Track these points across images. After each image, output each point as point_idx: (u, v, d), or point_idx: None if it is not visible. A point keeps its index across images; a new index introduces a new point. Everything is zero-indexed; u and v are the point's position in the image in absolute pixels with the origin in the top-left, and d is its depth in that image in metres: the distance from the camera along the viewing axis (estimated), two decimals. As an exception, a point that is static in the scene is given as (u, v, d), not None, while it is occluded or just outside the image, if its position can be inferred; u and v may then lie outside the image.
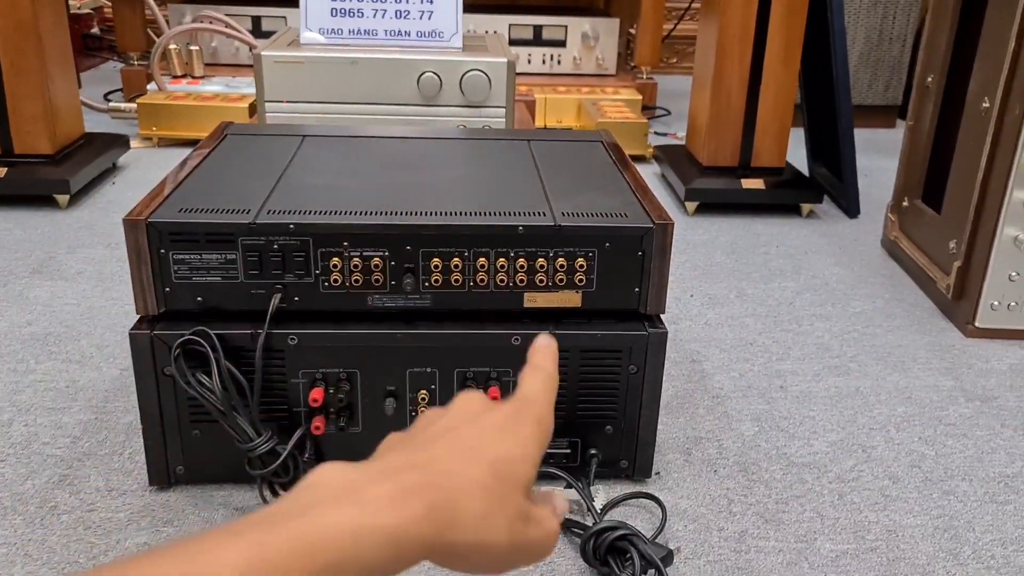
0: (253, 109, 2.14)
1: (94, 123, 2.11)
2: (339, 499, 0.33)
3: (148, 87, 2.26)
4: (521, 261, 0.86)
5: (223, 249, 0.83)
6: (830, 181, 1.95)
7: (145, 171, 1.93)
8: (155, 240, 0.82)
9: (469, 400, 0.42)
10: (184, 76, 2.31)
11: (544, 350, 0.47)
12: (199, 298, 0.85)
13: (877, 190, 2.02)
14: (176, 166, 0.99)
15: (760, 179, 1.84)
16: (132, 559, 0.28)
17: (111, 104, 2.26)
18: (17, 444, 0.96)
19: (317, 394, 0.87)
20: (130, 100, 2.28)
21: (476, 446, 0.39)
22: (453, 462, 0.37)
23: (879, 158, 2.32)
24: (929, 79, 1.49)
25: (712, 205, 1.84)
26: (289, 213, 0.85)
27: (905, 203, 1.56)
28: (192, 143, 2.12)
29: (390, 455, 0.39)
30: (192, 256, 0.83)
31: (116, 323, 1.24)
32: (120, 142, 1.89)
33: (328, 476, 0.35)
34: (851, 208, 1.86)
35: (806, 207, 1.85)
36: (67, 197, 1.65)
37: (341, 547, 0.31)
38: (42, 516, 0.85)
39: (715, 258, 1.60)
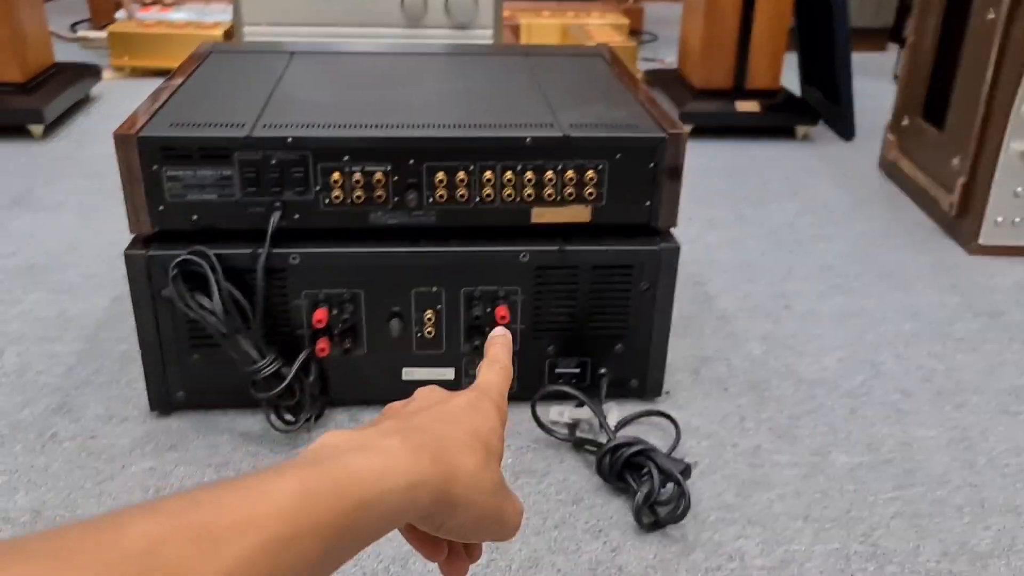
0: (228, 36, 2.06)
1: (62, 54, 2.02)
2: (361, 448, 0.35)
3: (117, 16, 2.17)
4: (529, 174, 0.83)
5: (218, 165, 0.80)
6: (823, 104, 1.92)
7: (119, 103, 1.85)
8: (147, 156, 0.78)
9: (431, 390, 0.46)
10: (154, 4, 2.21)
11: (499, 343, 0.50)
12: (194, 216, 0.81)
13: (870, 113, 1.99)
14: (161, 83, 0.94)
15: (755, 101, 1.80)
16: (193, 491, 0.30)
17: (80, 33, 2.17)
18: (10, 373, 0.93)
19: (320, 315, 0.84)
20: (99, 29, 2.19)
21: (453, 418, 0.42)
22: (440, 428, 0.40)
23: (870, 81, 2.28)
24: (932, -7, 1.45)
25: (706, 129, 1.80)
26: (286, 127, 0.81)
27: (905, 122, 1.54)
28: (166, 73, 2.04)
29: (381, 423, 0.41)
30: (186, 172, 0.80)
31: (102, 254, 1.19)
32: (92, 72, 1.82)
33: (338, 436, 0.37)
34: (846, 131, 1.83)
35: (801, 130, 1.82)
36: (41, 127, 1.59)
37: (370, 487, 0.33)
38: (43, 444, 0.83)
39: (711, 182, 1.57)
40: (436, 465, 0.36)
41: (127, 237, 1.25)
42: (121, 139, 0.78)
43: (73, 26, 2.35)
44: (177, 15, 2.16)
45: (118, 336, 1.00)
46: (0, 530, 0.73)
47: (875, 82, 2.26)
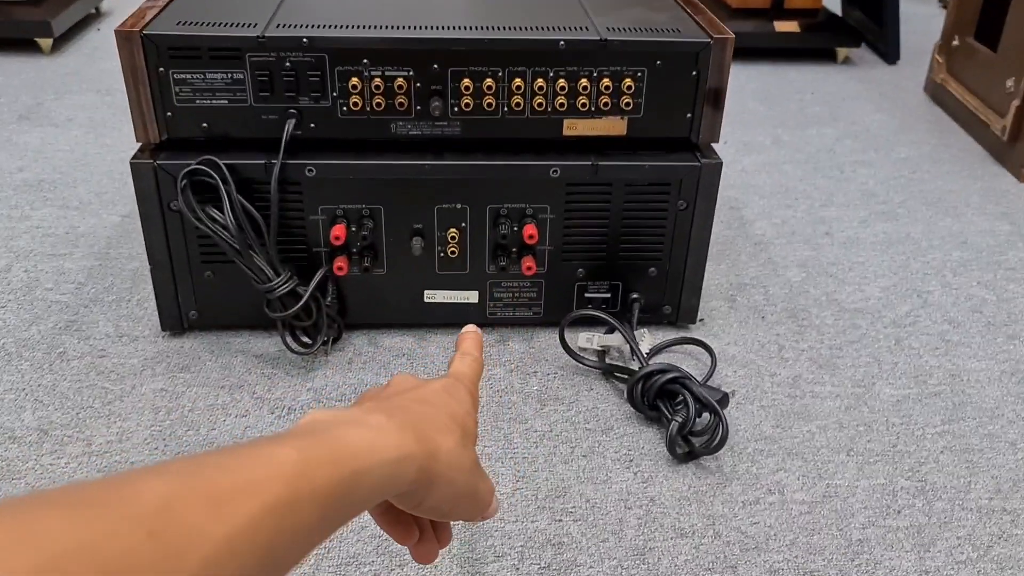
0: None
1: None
2: (352, 423, 0.37)
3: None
4: (561, 82, 0.77)
5: (229, 67, 0.74)
6: (865, 25, 1.82)
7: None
8: (152, 56, 0.73)
9: (405, 377, 0.47)
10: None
11: (470, 337, 0.53)
12: (204, 123, 0.76)
13: (915, 36, 1.89)
14: (169, -19, 0.88)
15: (794, 22, 1.71)
16: (196, 455, 0.32)
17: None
18: (18, 290, 0.90)
19: (338, 232, 0.79)
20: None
21: (430, 401, 0.43)
22: (420, 409, 0.42)
23: (914, 4, 2.17)
24: (994, -101, 1.34)
25: (742, 50, 1.71)
26: (301, 27, 0.75)
27: (955, 42, 1.45)
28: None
29: (363, 404, 0.43)
30: (195, 75, 0.74)
31: (113, 170, 1.15)
32: (103, -16, 1.75)
33: (325, 413, 0.38)
34: (890, 53, 1.74)
35: (842, 52, 1.73)
36: (50, 41, 1.53)
37: (363, 458, 0.35)
38: (51, 362, 0.80)
39: (747, 105, 1.50)
40: (420, 443, 0.39)
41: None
42: (124, 36, 0.72)
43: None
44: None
45: (129, 253, 0.97)
46: (7, 449, 0.70)
47: (920, 5, 2.15)
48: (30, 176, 1.13)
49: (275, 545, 0.30)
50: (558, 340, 0.83)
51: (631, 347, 0.81)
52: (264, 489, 0.30)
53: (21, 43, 1.54)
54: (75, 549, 0.24)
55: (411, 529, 0.46)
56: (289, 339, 0.81)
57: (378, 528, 0.47)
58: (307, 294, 0.78)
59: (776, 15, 1.72)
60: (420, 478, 0.39)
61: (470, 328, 0.54)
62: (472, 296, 0.86)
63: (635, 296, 0.87)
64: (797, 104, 1.51)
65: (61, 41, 1.60)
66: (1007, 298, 0.96)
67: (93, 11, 1.74)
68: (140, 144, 0.78)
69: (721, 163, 0.81)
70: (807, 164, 1.28)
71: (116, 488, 0.27)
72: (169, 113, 0.76)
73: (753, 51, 1.72)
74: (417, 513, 0.43)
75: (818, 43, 1.72)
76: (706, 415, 0.73)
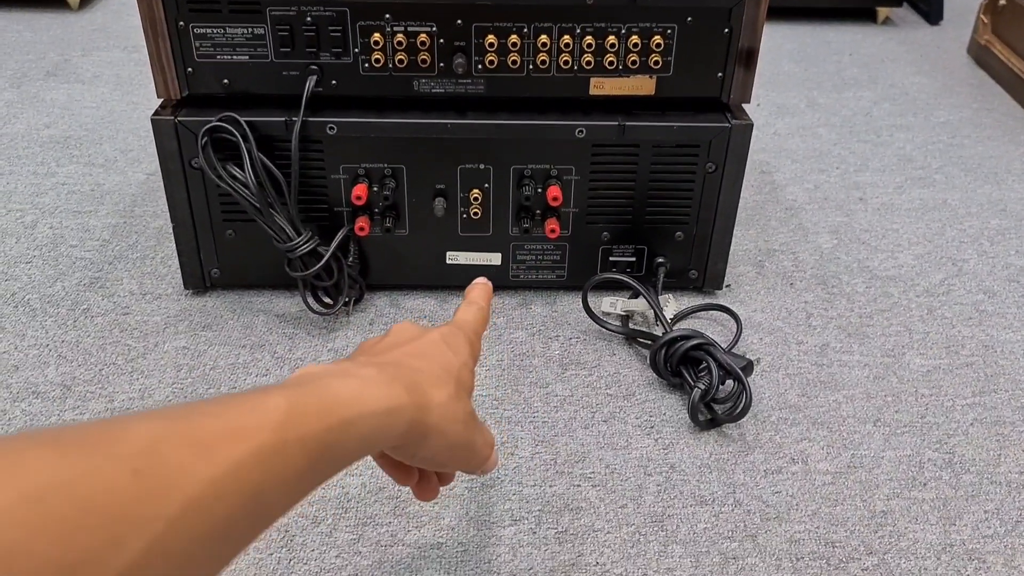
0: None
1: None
2: (343, 374, 0.37)
3: None
4: (588, 39, 0.75)
5: (249, 21, 0.73)
6: (909, -15, 1.76)
7: (160, -26, 1.78)
8: (172, 8, 0.72)
9: (405, 326, 0.47)
10: None
11: (479, 288, 0.54)
12: (225, 80, 0.75)
13: (959, -4, 1.83)
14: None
15: (834, -20, 1.66)
16: (189, 403, 0.32)
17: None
18: (43, 246, 0.90)
19: (360, 191, 0.78)
20: None
21: (425, 354, 0.44)
22: (412, 362, 0.42)
23: (962, -37, 2.09)
24: None
25: (777, 9, 1.66)
26: (323, -19, 0.73)
27: (1002, 2, 1.39)
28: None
29: (357, 357, 0.43)
30: (215, 29, 0.73)
31: (139, 127, 1.15)
32: (131, -60, 1.73)
33: (317, 367, 0.38)
34: (933, 13, 1.68)
35: (882, 12, 1.68)
36: (78, -3, 1.53)
37: (351, 408, 0.35)
38: (75, 318, 0.80)
39: (782, 66, 1.46)
40: (410, 395, 0.39)
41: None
42: (144, -10, 0.71)
43: None
44: None
45: (153, 212, 0.97)
46: (31, 404, 0.71)
47: (966, -38, 2.07)
48: (56, 133, 1.13)
49: (262, 490, 0.30)
50: (581, 304, 0.82)
51: (655, 312, 0.80)
52: (251, 435, 0.30)
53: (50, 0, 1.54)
54: (60, 484, 0.24)
55: (410, 472, 0.47)
56: (310, 299, 0.80)
57: (396, 488, 0.47)
58: (328, 254, 0.77)
59: (815, -27, 1.67)
60: (412, 430, 0.39)
61: (480, 279, 0.55)
62: (495, 258, 0.85)
63: (660, 260, 0.85)
64: (835, 66, 1.47)
65: (89, -3, 1.60)
66: (1047, 268, 0.93)
67: (121, -33, 1.73)
68: (161, 100, 0.77)
69: (752, 124, 0.78)
70: (842, 128, 1.24)
71: (103, 429, 0.27)
72: (190, 69, 0.75)
73: (790, 10, 1.67)
74: (413, 464, 0.44)
75: (857, 2, 1.67)
76: (730, 382, 0.72)
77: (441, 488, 0.50)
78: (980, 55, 1.46)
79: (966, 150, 1.18)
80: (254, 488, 0.30)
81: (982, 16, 1.45)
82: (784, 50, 1.53)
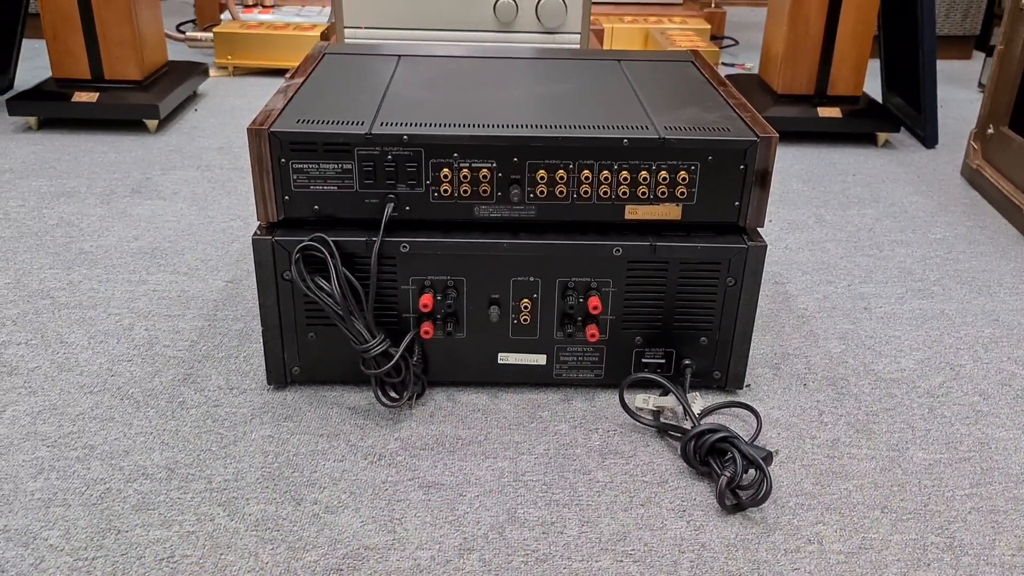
0: (325, 38, 2.16)
1: (172, 52, 2.15)
2: None
3: (221, 17, 2.29)
4: (624, 174, 0.88)
5: (340, 159, 0.87)
6: (905, 111, 1.92)
7: (224, 99, 1.97)
8: (276, 149, 0.86)
9: None
10: (255, 5, 2.33)
11: None
12: (316, 206, 0.89)
13: (953, 121, 1.99)
14: (283, 82, 1.02)
15: (836, 108, 1.82)
16: None
17: (188, 34, 2.30)
18: (141, 346, 1.02)
19: (427, 300, 0.90)
20: (205, 30, 2.31)
21: None
22: None
23: (955, 89, 2.27)
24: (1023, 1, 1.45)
25: (786, 133, 1.82)
26: (401, 125, 0.88)
27: (990, 130, 1.54)
28: (267, 72, 2.15)
29: None
30: (311, 165, 0.87)
31: (215, 239, 1.29)
32: (200, 70, 1.93)
33: None
34: (928, 138, 1.83)
35: (882, 136, 1.83)
36: (156, 122, 1.70)
37: None
38: (172, 410, 0.91)
39: (791, 185, 1.60)
40: None
41: (236, 225, 1.35)
42: (254, 133, 0.86)
43: (179, 26, 2.49)
44: (276, 16, 2.26)
45: (234, 315, 1.09)
46: (142, 484, 0.81)
47: (960, 90, 2.25)
48: (144, 244, 1.27)
49: None
50: (618, 400, 0.92)
51: (684, 408, 0.90)
52: None
53: (131, 123, 1.72)
54: None
55: None
56: (379, 393, 0.91)
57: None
58: (397, 355, 0.89)
59: (819, 101, 1.83)
60: None
61: None
62: (541, 359, 0.96)
63: (687, 362, 0.96)
64: (840, 185, 1.61)
65: (165, 121, 1.77)
66: (1035, 372, 1.03)
67: (192, 93, 1.92)
68: (260, 223, 0.90)
69: (766, 246, 0.91)
70: (848, 243, 1.37)
71: None
72: (287, 197, 0.88)
73: (798, 134, 1.83)
74: None
75: (859, 128, 1.82)
76: (752, 471, 0.82)
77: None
78: (972, 177, 1.59)
79: (961, 264, 1.30)
80: None
81: (973, 143, 1.60)
82: (794, 170, 1.67)
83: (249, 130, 0.86)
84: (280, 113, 0.90)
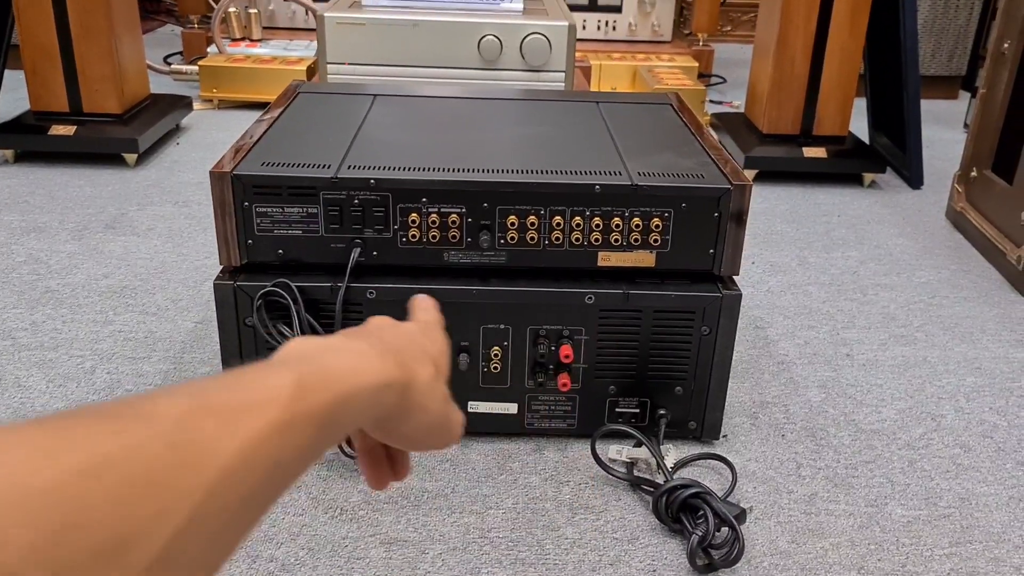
0: (311, 72, 2.15)
1: (156, 85, 2.14)
2: (339, 350, 0.38)
3: (208, 50, 2.29)
4: (596, 220, 0.87)
5: (305, 203, 0.85)
6: (891, 151, 1.92)
7: (207, 132, 1.95)
8: (239, 193, 0.84)
9: (382, 318, 0.48)
10: (243, 39, 2.33)
11: (424, 302, 0.54)
12: (280, 250, 0.87)
13: (939, 161, 1.99)
14: (254, 122, 1.00)
15: (822, 148, 1.81)
16: (196, 381, 0.33)
17: (173, 67, 2.29)
18: (101, 390, 0.99)
19: (393, 347, 0.88)
20: (191, 63, 2.31)
21: (407, 336, 0.45)
22: (398, 341, 0.43)
23: (941, 129, 2.27)
24: (1005, 45, 1.45)
25: (772, 173, 1.82)
26: (368, 168, 0.86)
27: (973, 174, 1.53)
28: (252, 105, 2.14)
29: (344, 333, 0.43)
30: (275, 209, 0.85)
31: (188, 278, 1.26)
32: (183, 103, 1.92)
33: (306, 342, 0.39)
34: (914, 179, 1.82)
35: (868, 177, 1.82)
36: (135, 156, 1.68)
37: (350, 382, 0.36)
38: (129, 458, 0.88)
39: (775, 226, 1.59)
40: (400, 369, 0.40)
41: (211, 263, 1.32)
42: (217, 176, 0.84)
43: (166, 58, 2.49)
44: (263, 50, 2.26)
45: (201, 358, 1.06)
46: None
47: (946, 130, 2.25)
48: (114, 283, 1.25)
49: (280, 460, 0.31)
50: (590, 451, 0.90)
51: (657, 461, 0.87)
52: (267, 409, 0.31)
53: (110, 157, 1.70)
54: (110, 457, 0.25)
55: (382, 463, 0.48)
56: (343, 443, 0.88)
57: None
58: (362, 404, 0.86)
59: (805, 141, 1.83)
60: (398, 405, 0.40)
61: (420, 296, 0.56)
62: (512, 408, 0.93)
63: (662, 412, 0.93)
64: (824, 226, 1.60)
65: (145, 155, 1.76)
66: (1018, 424, 1.01)
67: (175, 127, 1.91)
68: (222, 266, 0.88)
69: (740, 295, 0.89)
70: (831, 286, 1.35)
71: (136, 406, 0.29)
72: (250, 241, 0.86)
73: (784, 174, 1.82)
74: (389, 441, 0.44)
75: (845, 168, 1.82)
76: (725, 529, 0.79)
77: (395, 483, 0.51)
78: (957, 220, 1.58)
79: (944, 310, 1.28)
80: (274, 458, 0.31)
81: (956, 186, 1.59)
82: (778, 211, 1.66)
83: (212, 173, 0.84)
84: (245, 155, 0.88)
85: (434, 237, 0.86)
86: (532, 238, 0.87)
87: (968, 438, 0.98)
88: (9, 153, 1.69)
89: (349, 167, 0.86)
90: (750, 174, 1.81)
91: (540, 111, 1.11)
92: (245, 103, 2.13)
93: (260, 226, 0.86)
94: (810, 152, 1.80)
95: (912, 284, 1.37)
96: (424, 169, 0.86)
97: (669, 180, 0.87)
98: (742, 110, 2.04)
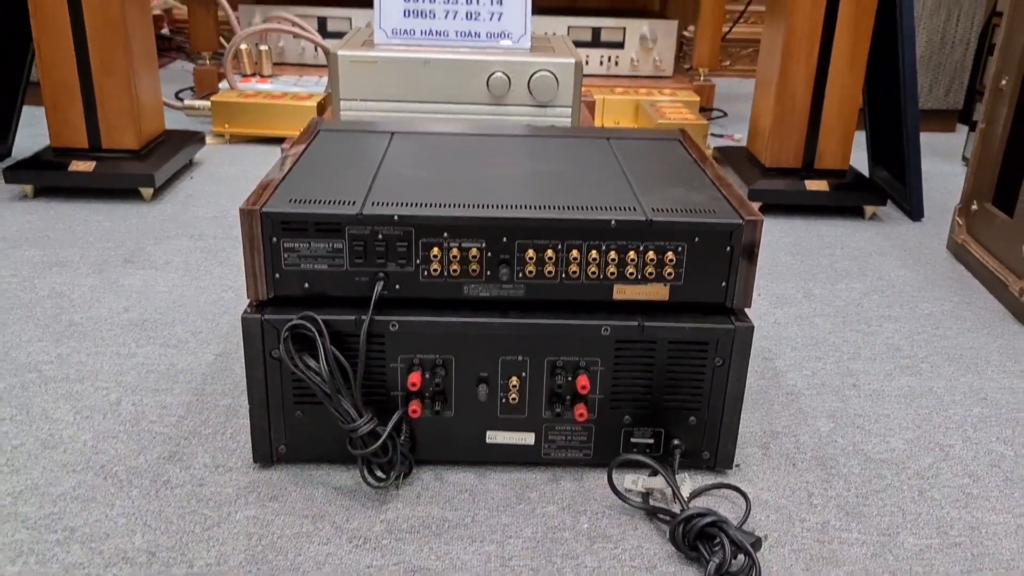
0: (321, 108, 2.19)
1: (169, 119, 2.18)
2: None
3: (220, 86, 2.33)
4: (612, 254, 0.89)
5: (331, 238, 0.88)
6: (891, 184, 1.96)
7: (219, 167, 1.99)
8: (268, 229, 0.87)
9: None
10: (254, 75, 2.37)
11: None
12: (306, 284, 0.89)
13: (939, 194, 2.02)
14: (277, 160, 1.03)
15: (824, 181, 1.85)
16: None
17: (186, 102, 2.34)
18: (127, 422, 1.01)
19: (415, 379, 0.90)
20: (203, 98, 2.35)
21: None
22: None
23: (939, 162, 2.31)
24: (1003, 82, 1.49)
25: (774, 206, 1.85)
26: (392, 205, 0.89)
27: (974, 206, 1.56)
28: (263, 140, 2.18)
29: None
30: (301, 244, 0.88)
31: (206, 311, 1.29)
32: (196, 138, 1.96)
33: None
34: (914, 211, 1.86)
35: (869, 209, 1.86)
36: (151, 191, 1.72)
37: None
38: (156, 489, 0.90)
39: (780, 258, 1.62)
40: None
41: (227, 296, 1.35)
42: (246, 213, 0.86)
43: (178, 94, 2.53)
44: (273, 86, 2.31)
45: (222, 390, 1.09)
46: (120, 569, 0.80)
47: (945, 163, 2.29)
48: (135, 316, 1.27)
49: None
50: (607, 481, 0.92)
51: (673, 490, 0.89)
52: None
53: (127, 192, 1.73)
54: None
55: None
56: (366, 473, 0.90)
57: None
58: (385, 434, 0.88)
59: (807, 174, 1.86)
60: None
61: None
62: (529, 438, 0.95)
63: (676, 442, 0.95)
64: (827, 259, 1.62)
65: (160, 189, 1.79)
66: (1025, 453, 1.03)
67: (188, 162, 1.94)
68: (250, 300, 0.91)
69: (752, 327, 0.91)
70: (836, 317, 1.38)
71: None
72: (277, 275, 0.89)
73: (786, 207, 1.85)
74: None
75: (846, 201, 1.85)
76: (741, 556, 0.81)
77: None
78: (958, 252, 1.61)
79: (949, 341, 1.31)
80: None
81: (957, 218, 1.62)
82: (782, 243, 1.69)
83: (241, 210, 0.87)
84: (273, 192, 0.91)
85: (455, 271, 0.89)
86: (549, 271, 0.90)
87: (976, 467, 1.00)
88: (29, 189, 1.72)
89: (373, 203, 0.89)
90: (754, 207, 1.85)
91: (553, 147, 1.14)
92: (257, 138, 2.17)
93: (287, 261, 0.88)
94: (812, 185, 1.84)
95: (916, 315, 1.39)
96: (445, 205, 0.89)
97: (682, 215, 0.89)
98: (743, 143, 2.08)
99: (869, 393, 1.15)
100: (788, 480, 0.97)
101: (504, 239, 0.88)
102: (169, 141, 1.86)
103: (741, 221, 0.89)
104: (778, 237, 1.72)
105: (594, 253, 0.89)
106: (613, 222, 0.88)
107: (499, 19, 1.72)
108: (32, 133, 2.13)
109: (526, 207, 0.90)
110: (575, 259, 0.89)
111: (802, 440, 1.04)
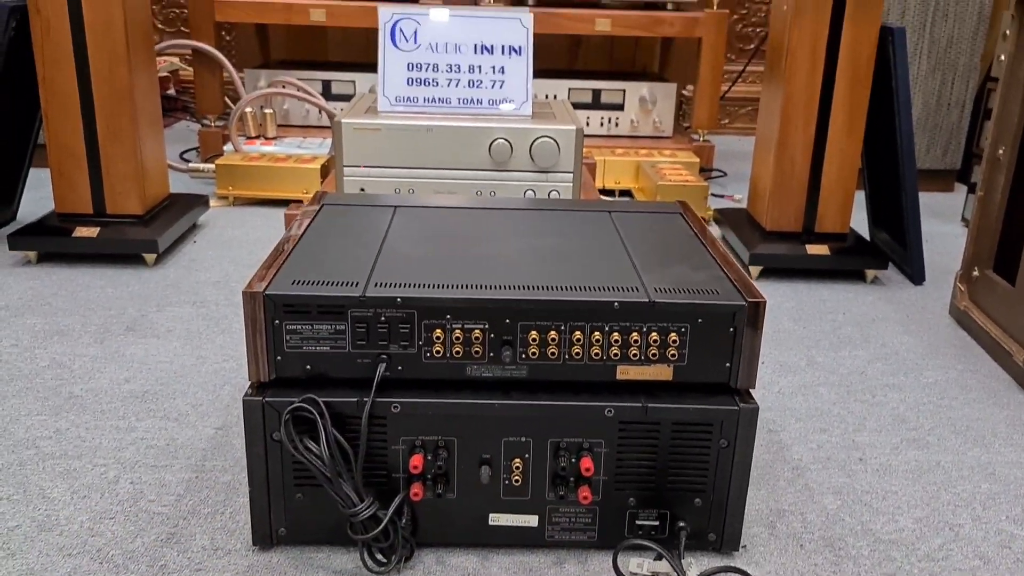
0: (325, 170, 2.21)
1: (173, 181, 2.20)
2: None
3: (224, 148, 2.36)
4: (615, 335, 0.89)
5: (333, 320, 0.88)
6: (891, 247, 1.96)
7: (223, 230, 2.00)
8: (270, 311, 0.87)
9: None
10: (258, 137, 2.40)
11: None
12: (308, 366, 0.89)
13: (939, 256, 2.03)
14: (282, 237, 1.04)
15: (824, 245, 1.85)
16: None
17: (191, 165, 2.36)
18: (125, 501, 1.00)
19: (417, 461, 0.89)
20: (208, 160, 2.38)
21: None
22: None
23: (938, 223, 2.32)
24: (1000, 151, 1.50)
25: (776, 270, 1.85)
26: (394, 286, 0.89)
27: (975, 273, 1.56)
28: (267, 203, 2.20)
29: None
30: (304, 326, 0.88)
31: (207, 382, 1.28)
32: (201, 202, 1.97)
33: None
34: (916, 275, 1.86)
35: (870, 273, 1.86)
36: (155, 256, 1.72)
37: None
38: (153, 574, 0.89)
39: (782, 324, 1.61)
40: None
41: (228, 366, 1.34)
42: (249, 296, 0.86)
43: (182, 154, 2.56)
44: (277, 148, 2.33)
45: (223, 466, 1.07)
46: (116, 658, 0.78)
47: (944, 224, 2.30)
48: (136, 387, 1.26)
49: None
50: (611, 565, 0.90)
51: (678, 574, 0.88)
52: None
53: (131, 257, 1.74)
54: None
55: None
56: (366, 557, 0.89)
57: None
58: (386, 518, 0.87)
59: (808, 238, 1.87)
60: None
61: None
62: (532, 520, 0.94)
63: (682, 524, 0.94)
64: (830, 324, 1.62)
65: (164, 254, 1.79)
66: (1035, 534, 1.01)
67: (192, 226, 1.95)
68: (251, 381, 0.90)
69: (757, 408, 0.90)
70: (840, 387, 1.37)
71: None
72: (279, 357, 0.88)
73: (788, 271, 1.86)
74: None
75: (848, 265, 1.85)
76: (750, 648, 0.79)
77: None
78: (960, 318, 1.61)
79: (954, 411, 1.30)
80: None
81: (959, 284, 1.62)
82: (784, 308, 1.69)
83: (244, 293, 0.87)
84: (276, 273, 0.91)
85: (458, 352, 0.89)
86: (552, 353, 0.89)
87: (987, 549, 0.98)
88: (33, 254, 1.73)
89: (376, 284, 0.89)
90: (755, 270, 1.85)
91: (555, 221, 1.15)
92: (260, 200, 2.18)
93: (289, 343, 0.88)
94: (813, 249, 1.84)
95: (920, 384, 1.38)
96: (447, 286, 0.89)
97: (685, 296, 0.89)
98: (743, 203, 2.09)
99: (876, 468, 1.14)
100: (796, 563, 0.95)
101: (507, 320, 0.88)
102: (173, 205, 1.88)
103: (744, 303, 0.89)
104: (780, 302, 1.72)
105: (597, 334, 0.89)
106: (616, 303, 0.88)
107: (501, 87, 1.75)
108: (37, 196, 2.15)
109: (529, 288, 0.90)
110: (578, 340, 0.89)
111: (809, 519, 1.03)
